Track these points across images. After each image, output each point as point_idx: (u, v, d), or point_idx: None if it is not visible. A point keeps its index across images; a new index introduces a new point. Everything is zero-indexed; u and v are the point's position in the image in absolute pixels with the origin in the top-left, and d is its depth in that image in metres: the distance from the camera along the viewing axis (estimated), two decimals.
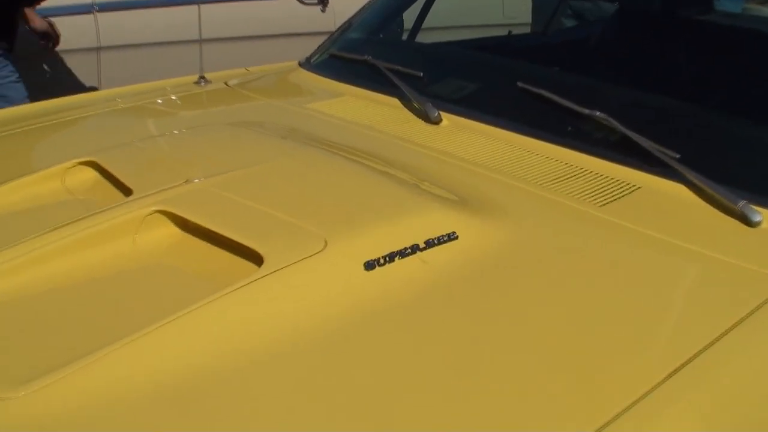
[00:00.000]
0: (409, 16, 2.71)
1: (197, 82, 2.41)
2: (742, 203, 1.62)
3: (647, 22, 2.56)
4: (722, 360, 1.23)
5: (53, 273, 1.34)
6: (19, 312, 1.27)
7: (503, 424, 1.08)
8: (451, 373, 1.17)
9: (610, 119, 1.85)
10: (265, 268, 1.28)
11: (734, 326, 1.30)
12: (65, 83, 3.82)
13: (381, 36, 2.62)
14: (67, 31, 3.99)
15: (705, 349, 1.23)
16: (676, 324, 1.35)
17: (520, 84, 2.04)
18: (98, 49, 4.05)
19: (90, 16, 4.00)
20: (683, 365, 1.19)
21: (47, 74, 4.04)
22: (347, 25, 2.61)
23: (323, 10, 4.52)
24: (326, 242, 1.34)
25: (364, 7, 2.66)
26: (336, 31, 2.62)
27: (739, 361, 1.25)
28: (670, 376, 1.16)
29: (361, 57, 2.29)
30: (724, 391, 1.20)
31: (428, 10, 2.72)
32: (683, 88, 2.06)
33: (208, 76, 2.43)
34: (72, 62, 4.03)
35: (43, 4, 3.88)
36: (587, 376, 1.17)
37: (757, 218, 1.60)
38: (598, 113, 1.87)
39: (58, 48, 3.96)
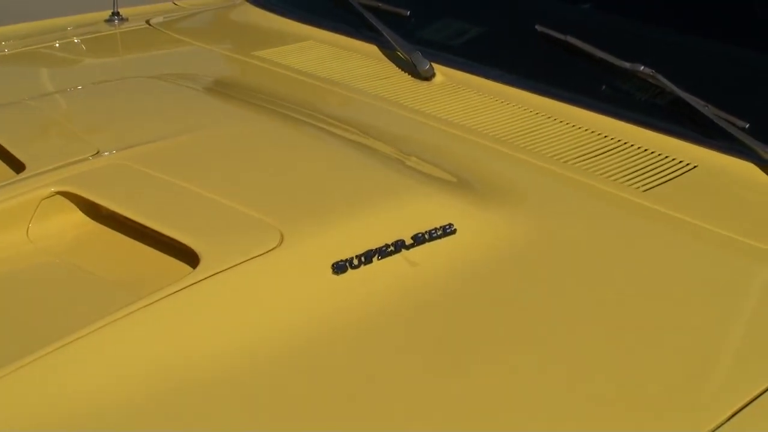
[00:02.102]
0: None
1: (109, 20, 2.40)
2: None
3: None
4: None
5: None
6: None
7: None
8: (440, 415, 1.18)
9: (658, 76, 1.86)
10: (201, 270, 1.27)
11: None
12: None
13: None
14: None
15: None
16: (747, 349, 1.37)
17: (538, 27, 2.05)
18: None
19: None
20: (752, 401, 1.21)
21: None
22: None
23: None
24: (282, 237, 1.34)
25: None
26: None
27: None
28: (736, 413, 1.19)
29: None
30: None
31: None
32: (756, 38, 2.07)
33: (123, 12, 2.42)
34: None
35: None
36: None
37: None
38: (642, 68, 1.88)
39: None
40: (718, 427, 1.14)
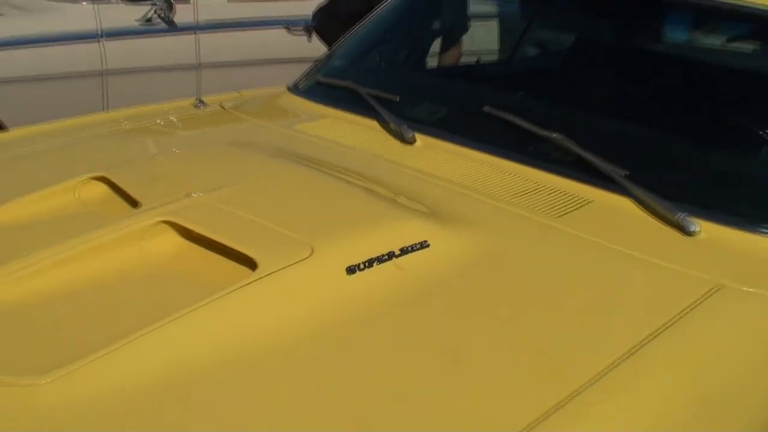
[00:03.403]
0: (388, 46, 2.75)
1: (195, 105, 2.43)
2: (680, 215, 1.67)
3: (601, 52, 2.59)
4: (659, 353, 1.29)
5: (70, 277, 1.37)
6: (41, 311, 1.30)
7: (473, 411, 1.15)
8: (423, 366, 1.23)
9: (566, 140, 1.89)
10: (259, 272, 1.33)
11: (672, 322, 1.36)
12: None
13: (361, 63, 2.65)
14: (76, 55, 4.02)
15: (642, 344, 1.29)
16: (620, 320, 1.42)
17: (486, 108, 2.07)
18: (103, 73, 4.06)
19: (97, 43, 4.02)
20: (625, 358, 1.26)
21: None
22: (331, 54, 2.65)
23: (309, 39, 4.57)
24: (313, 249, 1.39)
25: (345, 36, 2.69)
26: (320, 58, 2.65)
27: (674, 354, 1.31)
28: (611, 367, 1.23)
29: (344, 83, 2.32)
30: (671, 376, 1.27)
31: (406, 41, 2.75)
32: (632, 113, 2.10)
33: (205, 99, 2.45)
34: (81, 85, 4.04)
35: (54, 32, 3.91)
36: (535, 368, 1.25)
37: (693, 228, 1.66)
38: (555, 135, 1.91)
39: (65, 71, 3.98)
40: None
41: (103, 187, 1.71)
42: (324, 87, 2.44)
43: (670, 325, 1.35)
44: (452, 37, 3.14)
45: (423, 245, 1.47)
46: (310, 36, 4.52)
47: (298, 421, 1.10)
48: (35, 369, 1.13)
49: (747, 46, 2.50)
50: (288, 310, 1.30)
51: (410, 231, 1.50)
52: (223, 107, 2.42)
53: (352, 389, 1.17)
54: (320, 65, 2.59)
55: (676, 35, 2.66)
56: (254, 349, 1.22)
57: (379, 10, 2.73)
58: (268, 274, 1.32)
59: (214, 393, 1.14)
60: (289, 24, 4.59)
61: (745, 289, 1.50)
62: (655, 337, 1.31)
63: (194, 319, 1.23)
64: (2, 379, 1.12)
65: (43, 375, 1.12)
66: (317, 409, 1.12)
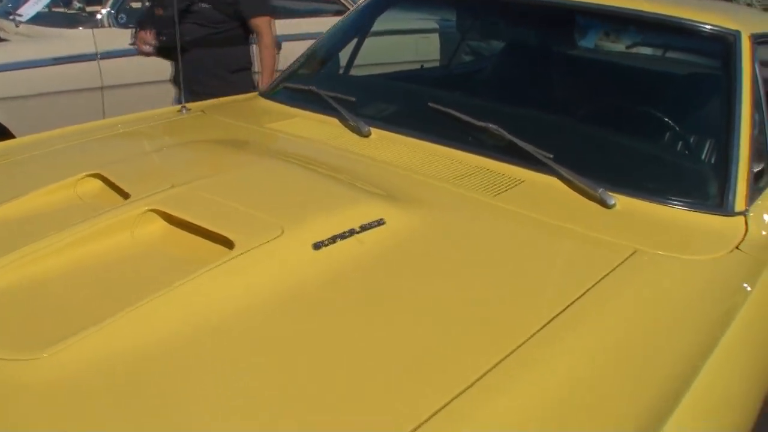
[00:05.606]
0: (344, 55, 2.69)
1: (180, 111, 2.35)
2: (600, 190, 1.65)
3: (526, 56, 2.58)
4: (585, 312, 1.25)
5: (70, 260, 1.31)
6: (42, 293, 1.24)
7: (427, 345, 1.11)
8: (382, 325, 1.18)
9: (500, 129, 1.85)
10: (236, 250, 1.27)
11: (595, 284, 1.32)
12: None
13: (322, 71, 2.59)
14: (78, 73, 3.93)
15: (571, 304, 1.25)
16: (549, 283, 1.37)
17: (430, 104, 2.03)
18: (101, 88, 3.98)
19: (95, 63, 3.93)
20: (557, 315, 1.22)
21: None
22: (296, 64, 2.58)
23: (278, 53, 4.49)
24: (283, 229, 1.33)
25: (308, 49, 2.64)
26: (287, 68, 2.59)
27: (598, 310, 1.27)
28: (548, 323, 1.19)
29: (307, 87, 2.27)
30: (595, 334, 1.22)
31: (359, 51, 2.70)
32: (554, 105, 2.08)
33: (188, 105, 2.38)
34: (81, 98, 3.95)
35: (57, 54, 3.82)
36: (467, 327, 1.19)
37: (611, 201, 1.63)
38: (490, 125, 1.88)
39: (69, 88, 3.90)
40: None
41: (98, 183, 1.64)
42: (291, 91, 2.38)
43: (596, 285, 1.32)
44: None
45: (380, 223, 1.42)
46: (278, 50, 4.45)
47: (274, 378, 1.05)
48: (36, 344, 1.07)
49: (647, 48, 2.51)
50: (262, 282, 1.24)
51: (368, 210, 1.45)
52: (203, 112, 2.34)
53: (319, 346, 1.12)
54: (287, 73, 2.53)
55: (585, 40, 2.68)
56: (234, 317, 1.16)
57: (337, 24, 2.69)
58: (244, 252, 1.26)
59: (200, 359, 1.08)
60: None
61: (657, 252, 1.48)
62: (582, 296, 1.28)
63: (180, 293, 1.18)
64: (3, 355, 1.05)
65: (45, 349, 1.06)
66: (291, 365, 1.08)
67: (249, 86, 3.18)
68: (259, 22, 3.18)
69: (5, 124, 3.80)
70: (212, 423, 0.97)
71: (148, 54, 3.21)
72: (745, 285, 1.49)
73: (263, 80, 3.19)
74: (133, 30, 3.28)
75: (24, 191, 1.58)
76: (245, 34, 3.25)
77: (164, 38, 3.13)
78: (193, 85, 3.17)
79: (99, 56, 4.01)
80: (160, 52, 3.20)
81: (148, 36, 3.15)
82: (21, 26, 4.19)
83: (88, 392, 1.01)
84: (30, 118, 3.78)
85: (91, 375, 1.03)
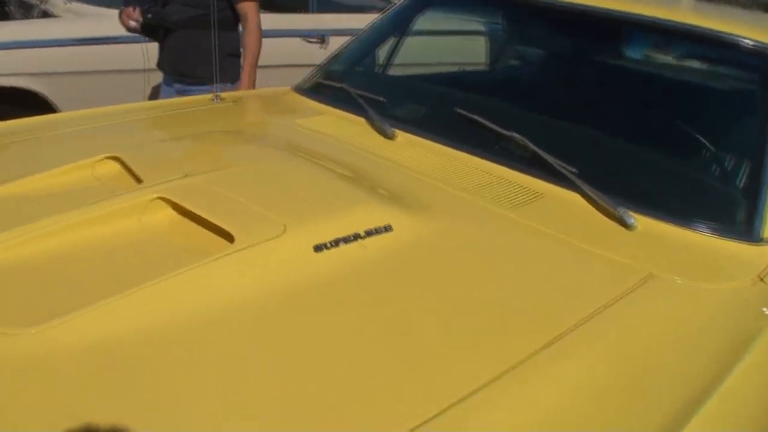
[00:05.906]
0: (382, 54, 2.67)
1: (213, 100, 2.35)
2: (621, 210, 1.60)
3: (561, 66, 2.53)
4: (592, 333, 1.22)
5: (74, 241, 1.32)
6: (43, 270, 1.25)
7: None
8: (379, 330, 1.16)
9: (525, 140, 1.81)
10: (235, 245, 1.26)
11: (608, 305, 1.29)
12: None
13: (356, 68, 2.57)
14: (123, 54, 3.96)
15: (575, 326, 1.22)
16: (554, 302, 1.32)
17: (457, 110, 1.99)
18: (144, 71, 4.01)
19: (140, 45, 3.95)
20: (557, 337, 1.18)
21: None
22: (330, 60, 2.57)
23: (323, 47, 4.48)
24: (285, 228, 1.31)
25: (343, 45, 2.62)
26: (320, 64, 2.58)
27: (603, 334, 1.23)
28: (550, 343, 1.16)
29: (338, 85, 2.25)
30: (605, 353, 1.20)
31: (397, 50, 2.67)
32: (583, 118, 2.02)
33: (222, 95, 2.38)
34: (125, 79, 3.99)
35: (104, 33, 3.87)
36: (471, 343, 1.16)
37: (631, 221, 1.58)
38: (515, 135, 1.84)
39: (114, 68, 3.94)
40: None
41: (116, 166, 1.65)
42: (323, 87, 2.37)
43: (604, 309, 1.28)
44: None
45: (387, 228, 1.39)
46: (323, 45, 4.45)
47: (266, 372, 1.05)
48: (26, 321, 1.08)
49: (684, 63, 2.44)
50: (258, 280, 1.22)
51: (377, 215, 1.42)
52: (234, 102, 2.34)
53: (310, 347, 1.11)
54: (320, 69, 2.51)
55: (621, 52, 2.60)
56: (226, 312, 1.16)
57: (375, 21, 2.66)
58: (242, 249, 1.25)
59: (190, 349, 1.08)
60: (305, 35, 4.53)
61: (673, 277, 1.42)
62: (590, 319, 1.24)
63: (172, 283, 1.18)
64: None
65: (32, 326, 1.07)
66: (281, 362, 1.07)
67: (239, 74, 3.17)
68: (246, 7, 3.16)
69: (51, 98, 3.86)
70: (203, 411, 0.96)
71: (134, 30, 3.20)
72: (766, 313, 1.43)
73: (246, 65, 3.17)
74: (121, 8, 3.26)
75: (43, 168, 1.60)
76: (234, 19, 3.22)
77: (150, 15, 3.13)
78: (181, 66, 3.18)
79: (145, 39, 4.04)
80: (144, 29, 3.20)
81: (134, 12, 3.14)
82: (69, 3, 4.24)
83: (72, 370, 1.02)
84: (74, 95, 3.83)
85: (78, 354, 1.04)
